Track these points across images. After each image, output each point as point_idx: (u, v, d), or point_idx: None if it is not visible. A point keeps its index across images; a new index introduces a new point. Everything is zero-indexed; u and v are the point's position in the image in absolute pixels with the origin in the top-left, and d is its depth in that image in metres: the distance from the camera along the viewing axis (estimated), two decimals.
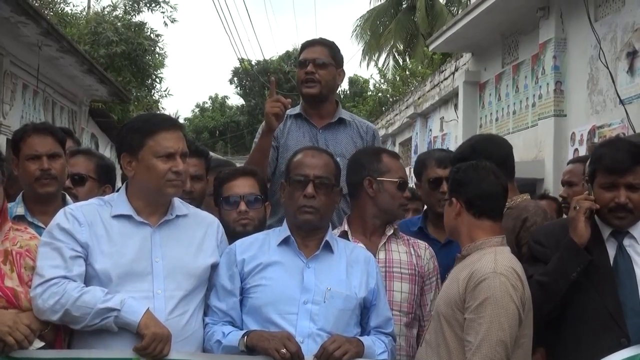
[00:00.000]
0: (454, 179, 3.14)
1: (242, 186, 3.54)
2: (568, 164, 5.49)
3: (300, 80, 4.21)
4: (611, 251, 3.18)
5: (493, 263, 2.90)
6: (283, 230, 3.16)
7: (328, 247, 3.15)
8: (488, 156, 3.55)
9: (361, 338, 3.03)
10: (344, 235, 3.45)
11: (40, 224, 3.36)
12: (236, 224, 3.47)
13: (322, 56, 4.18)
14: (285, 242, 3.13)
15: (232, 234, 3.36)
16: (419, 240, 3.58)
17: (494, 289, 2.83)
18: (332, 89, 4.26)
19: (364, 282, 3.13)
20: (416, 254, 3.49)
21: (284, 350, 2.82)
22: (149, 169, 2.98)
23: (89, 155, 4.06)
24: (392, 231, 3.50)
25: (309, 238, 3.13)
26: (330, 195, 3.15)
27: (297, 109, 4.29)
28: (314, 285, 3.04)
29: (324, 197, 3.11)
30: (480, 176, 3.08)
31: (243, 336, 2.93)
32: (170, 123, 3.08)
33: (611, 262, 3.16)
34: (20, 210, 3.48)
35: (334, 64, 4.22)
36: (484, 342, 2.79)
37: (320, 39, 4.34)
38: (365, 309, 3.14)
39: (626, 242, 3.19)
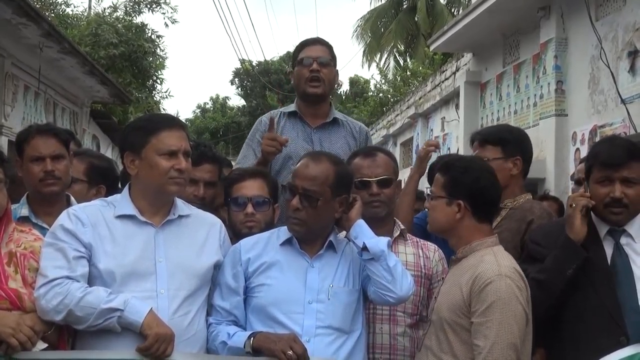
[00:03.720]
0: (460, 181, 3.05)
1: (251, 188, 3.54)
2: (580, 162, 5.49)
3: (304, 79, 4.13)
4: (608, 250, 3.19)
5: (496, 265, 2.88)
6: (286, 231, 3.15)
7: (332, 247, 3.15)
8: (525, 151, 3.69)
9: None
10: None
11: (45, 225, 3.37)
12: (242, 225, 3.47)
13: (324, 55, 4.18)
14: (288, 242, 3.14)
15: (239, 235, 3.38)
16: (428, 242, 3.55)
17: (501, 292, 2.82)
18: (332, 88, 4.28)
19: (361, 270, 3.12)
20: (424, 255, 3.48)
21: (290, 352, 2.82)
22: (151, 167, 2.99)
23: (81, 157, 4.05)
24: (398, 232, 3.50)
25: (310, 239, 3.13)
26: (318, 207, 3.05)
27: (291, 107, 4.29)
28: (317, 285, 3.05)
29: (311, 210, 3.05)
30: (487, 182, 3.04)
31: (249, 337, 2.93)
32: (173, 122, 3.10)
33: (609, 261, 3.17)
34: (24, 211, 3.50)
35: (333, 64, 4.23)
36: (495, 345, 2.78)
37: (319, 38, 4.34)
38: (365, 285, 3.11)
39: (623, 240, 3.20)
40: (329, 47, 4.25)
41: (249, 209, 3.49)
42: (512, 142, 3.67)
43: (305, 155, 3.28)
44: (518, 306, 2.83)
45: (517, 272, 2.91)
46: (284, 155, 4.05)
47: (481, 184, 3.03)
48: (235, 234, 3.43)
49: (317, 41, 4.28)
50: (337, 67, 4.34)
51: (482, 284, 2.85)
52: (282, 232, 3.18)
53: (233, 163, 4.67)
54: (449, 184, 3.08)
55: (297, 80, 4.21)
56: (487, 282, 2.85)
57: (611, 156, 3.14)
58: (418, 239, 3.57)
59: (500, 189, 3.10)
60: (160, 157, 2.98)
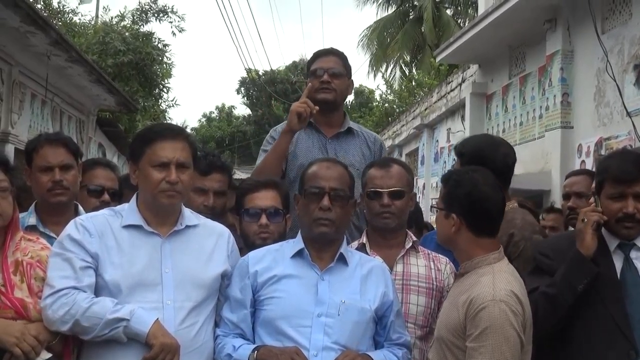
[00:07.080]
0: (454, 195, 3.01)
1: (264, 199, 3.54)
2: (566, 178, 5.44)
3: (315, 89, 4.18)
4: (618, 263, 3.18)
5: (492, 288, 2.82)
6: (297, 243, 3.15)
7: (343, 260, 3.14)
8: (491, 160, 3.50)
9: (371, 354, 3.02)
10: (362, 247, 3.44)
11: (52, 234, 3.37)
12: (256, 237, 3.47)
13: (336, 66, 4.21)
14: (299, 254, 3.12)
15: (252, 246, 3.37)
16: (440, 255, 3.52)
17: (494, 318, 2.76)
18: (344, 98, 4.32)
19: (379, 294, 3.11)
20: (436, 267, 3.45)
21: None
22: (145, 178, 3.00)
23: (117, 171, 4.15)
24: (410, 244, 3.48)
25: (323, 250, 3.12)
26: (345, 207, 3.14)
27: None
28: (328, 298, 3.03)
29: (340, 210, 3.10)
30: (483, 195, 2.97)
31: (253, 351, 2.93)
32: (169, 132, 3.06)
33: (618, 275, 3.16)
34: (32, 220, 3.50)
35: (346, 74, 4.26)
36: None
37: (332, 48, 4.36)
38: (379, 320, 3.12)
39: (633, 254, 3.18)
40: (342, 58, 4.27)
41: (263, 220, 3.49)
42: (465, 154, 3.62)
43: (315, 162, 3.31)
44: (512, 332, 2.77)
45: (513, 296, 2.83)
46: (298, 165, 4.06)
47: (473, 198, 2.96)
48: (248, 244, 3.42)
49: (330, 52, 4.31)
50: (351, 77, 4.36)
51: (476, 308, 2.80)
52: (292, 245, 3.17)
53: (243, 173, 4.69)
54: (446, 197, 3.06)
55: (310, 91, 4.24)
56: (480, 307, 2.79)
57: (624, 171, 3.13)
58: (429, 251, 3.55)
59: (499, 202, 3.03)
60: (152, 169, 2.98)
